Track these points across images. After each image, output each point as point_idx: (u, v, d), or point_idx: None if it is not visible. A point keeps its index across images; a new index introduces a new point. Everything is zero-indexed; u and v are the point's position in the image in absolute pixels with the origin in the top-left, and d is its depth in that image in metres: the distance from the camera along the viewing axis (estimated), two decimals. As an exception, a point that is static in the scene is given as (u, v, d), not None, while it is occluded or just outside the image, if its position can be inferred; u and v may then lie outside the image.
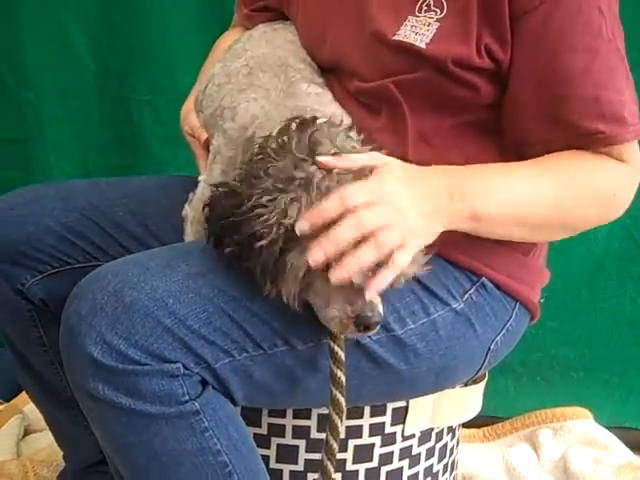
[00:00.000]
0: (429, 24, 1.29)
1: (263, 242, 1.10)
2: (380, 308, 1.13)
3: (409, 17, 1.31)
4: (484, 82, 1.29)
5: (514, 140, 1.31)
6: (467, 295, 1.33)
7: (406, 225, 1.12)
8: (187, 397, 1.17)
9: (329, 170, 1.13)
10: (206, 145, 1.42)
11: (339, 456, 1.40)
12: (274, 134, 1.19)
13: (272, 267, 1.12)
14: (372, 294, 1.11)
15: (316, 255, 1.08)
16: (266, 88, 1.34)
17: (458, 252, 1.32)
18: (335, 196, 1.10)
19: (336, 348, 1.20)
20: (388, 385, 1.33)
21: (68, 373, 1.19)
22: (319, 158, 1.13)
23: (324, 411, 1.27)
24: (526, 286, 1.40)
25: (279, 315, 1.21)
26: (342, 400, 1.20)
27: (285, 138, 1.16)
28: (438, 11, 1.30)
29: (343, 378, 1.20)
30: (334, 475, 1.22)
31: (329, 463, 1.22)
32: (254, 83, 1.35)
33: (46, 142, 2.24)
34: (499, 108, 1.31)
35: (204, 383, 1.20)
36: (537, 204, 1.24)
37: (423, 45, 1.28)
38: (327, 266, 1.09)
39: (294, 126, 1.18)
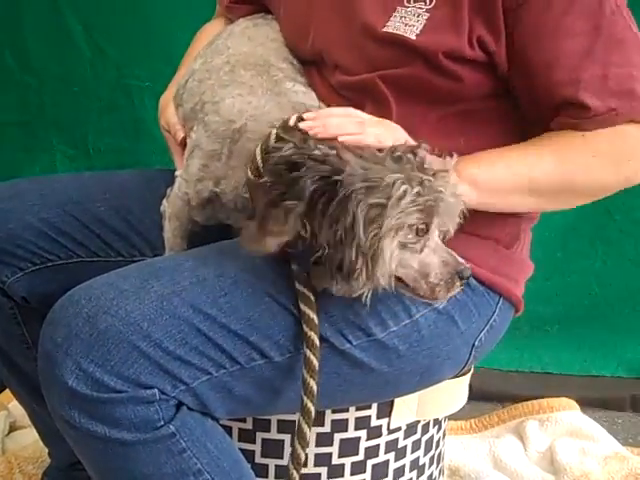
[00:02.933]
0: (419, 14, 1.28)
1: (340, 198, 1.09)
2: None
3: (398, 8, 1.30)
4: (473, 74, 1.28)
5: (537, 129, 1.30)
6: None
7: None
8: (162, 422, 1.17)
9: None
10: (182, 142, 1.41)
11: (325, 450, 1.41)
12: None
13: (369, 250, 1.09)
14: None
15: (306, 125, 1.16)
16: (250, 85, 1.33)
17: None
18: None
19: (311, 356, 1.19)
20: (372, 388, 1.33)
21: (46, 399, 1.19)
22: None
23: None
24: (509, 280, 1.40)
25: (255, 328, 1.21)
26: (312, 409, 1.20)
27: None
28: (427, 1, 1.29)
29: (315, 387, 1.19)
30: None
31: (295, 472, 1.22)
32: (236, 80, 1.34)
33: (48, 126, 2.33)
34: (487, 99, 1.31)
35: (179, 404, 1.19)
36: (538, 173, 1.25)
37: (413, 36, 1.27)
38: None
39: None
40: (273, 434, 1.42)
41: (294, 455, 1.22)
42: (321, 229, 1.10)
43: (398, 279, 1.16)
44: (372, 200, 1.09)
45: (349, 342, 1.26)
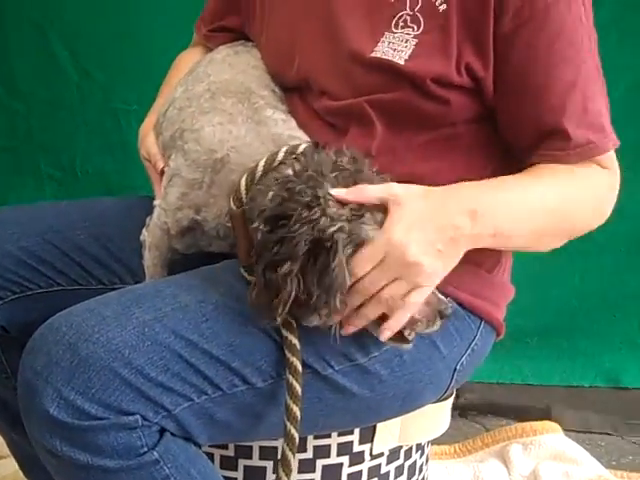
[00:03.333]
0: (407, 40, 1.29)
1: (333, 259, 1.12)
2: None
3: (386, 33, 1.30)
4: (461, 99, 1.29)
5: (517, 157, 1.32)
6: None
7: (414, 273, 1.15)
8: (146, 448, 1.16)
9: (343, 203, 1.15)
10: (162, 172, 1.40)
11: (307, 477, 1.40)
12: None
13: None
14: (385, 336, 1.18)
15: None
16: (230, 112, 1.33)
17: None
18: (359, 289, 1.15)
19: (294, 382, 1.19)
20: (354, 413, 1.33)
21: (27, 427, 1.18)
22: (332, 191, 1.15)
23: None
24: (490, 304, 1.40)
25: (238, 354, 1.21)
26: (296, 435, 1.19)
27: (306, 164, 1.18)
28: (415, 27, 1.29)
29: (298, 413, 1.19)
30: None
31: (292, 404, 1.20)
32: (217, 107, 1.34)
33: (36, 150, 2.38)
34: (473, 124, 1.32)
35: (162, 431, 1.19)
36: (546, 215, 1.27)
37: (402, 62, 1.27)
38: None
39: (308, 151, 1.21)
40: (255, 461, 1.41)
41: None
42: (312, 284, 1.12)
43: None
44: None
45: (331, 367, 1.26)
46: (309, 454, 1.41)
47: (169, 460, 1.17)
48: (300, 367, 1.20)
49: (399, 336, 1.21)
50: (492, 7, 1.25)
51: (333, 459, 1.42)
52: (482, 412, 2.36)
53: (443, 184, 1.23)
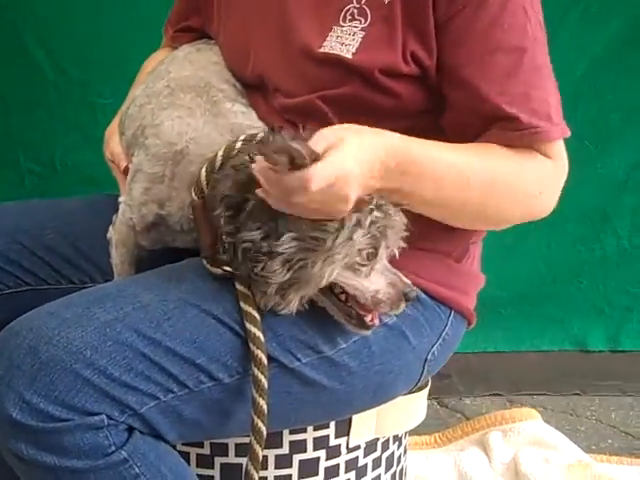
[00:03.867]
0: (354, 33, 1.29)
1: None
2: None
3: (334, 27, 1.30)
4: (410, 90, 1.28)
5: (459, 134, 1.30)
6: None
7: (332, 210, 1.14)
8: (113, 447, 1.15)
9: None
10: (126, 171, 1.40)
11: (284, 472, 1.40)
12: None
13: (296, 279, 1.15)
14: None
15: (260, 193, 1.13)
16: (188, 107, 1.33)
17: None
18: (302, 179, 1.09)
19: (259, 375, 1.19)
20: (325, 406, 1.32)
21: None
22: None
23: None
24: (458, 292, 1.40)
25: (202, 351, 1.20)
26: (263, 429, 1.19)
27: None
28: (362, 20, 1.29)
29: (265, 407, 1.19)
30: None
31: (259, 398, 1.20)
32: (175, 102, 1.34)
33: (15, 145, 2.42)
34: (427, 114, 1.31)
35: (131, 429, 1.18)
36: (462, 186, 1.24)
37: (349, 55, 1.27)
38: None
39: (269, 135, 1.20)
40: (231, 458, 1.40)
41: (247, 476, 1.21)
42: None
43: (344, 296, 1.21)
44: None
45: (298, 360, 1.25)
46: (285, 449, 1.40)
47: (138, 459, 1.17)
48: (265, 360, 1.19)
49: (359, 321, 1.22)
50: None
51: (310, 454, 1.42)
52: (460, 377, 2.44)
53: None
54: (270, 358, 1.21)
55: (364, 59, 1.26)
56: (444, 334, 1.39)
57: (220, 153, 1.22)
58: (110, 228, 1.40)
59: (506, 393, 2.51)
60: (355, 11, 1.30)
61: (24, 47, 2.36)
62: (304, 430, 1.40)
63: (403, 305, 1.21)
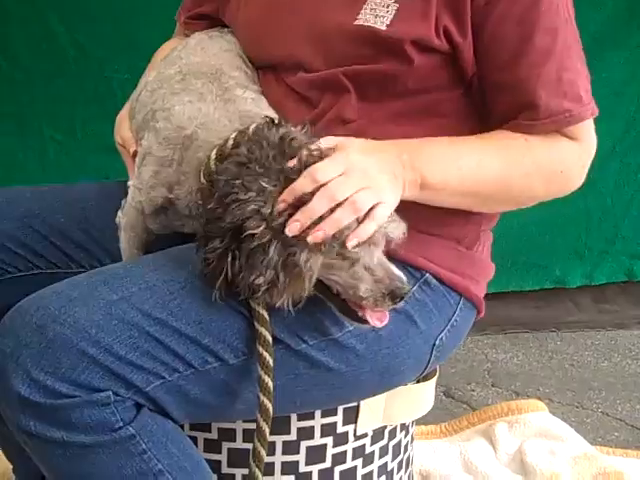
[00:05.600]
0: (388, 5, 1.30)
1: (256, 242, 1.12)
2: (404, 277, 1.17)
3: (368, 0, 1.30)
4: (436, 65, 1.30)
5: (492, 121, 1.33)
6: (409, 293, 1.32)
7: (378, 185, 1.15)
8: (121, 423, 1.17)
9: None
10: (135, 156, 1.40)
11: (292, 458, 1.40)
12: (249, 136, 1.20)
13: (277, 260, 1.12)
14: (352, 243, 1.13)
15: (292, 227, 1.11)
16: (200, 92, 1.33)
17: (400, 248, 1.31)
18: (306, 174, 1.13)
19: (264, 354, 1.19)
20: (332, 389, 1.33)
21: (1, 411, 1.19)
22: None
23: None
24: (470, 280, 1.40)
25: (208, 331, 1.21)
26: (269, 406, 1.20)
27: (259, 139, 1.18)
28: None
29: (271, 384, 1.20)
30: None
31: (257, 470, 1.21)
32: (187, 88, 1.34)
33: (38, 115, 2.64)
34: (447, 92, 1.33)
35: (139, 406, 1.19)
36: (483, 176, 1.28)
37: (383, 27, 1.28)
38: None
39: (264, 127, 1.20)
40: (239, 443, 1.41)
41: (255, 453, 1.21)
42: (240, 260, 1.13)
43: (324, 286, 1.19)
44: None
45: (305, 342, 1.26)
46: (293, 436, 1.41)
47: (146, 435, 1.18)
48: (270, 338, 1.20)
49: (354, 316, 1.21)
50: None
51: (317, 440, 1.42)
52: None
53: None
54: (276, 340, 1.22)
55: (397, 31, 1.28)
56: (453, 320, 1.39)
57: (232, 139, 1.22)
58: (119, 212, 1.40)
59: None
60: None
61: (46, 23, 2.57)
62: (312, 417, 1.41)
63: (389, 303, 1.17)
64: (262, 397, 1.20)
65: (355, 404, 1.43)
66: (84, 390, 1.14)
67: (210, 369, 1.22)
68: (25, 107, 2.63)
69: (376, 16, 1.29)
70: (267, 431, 1.20)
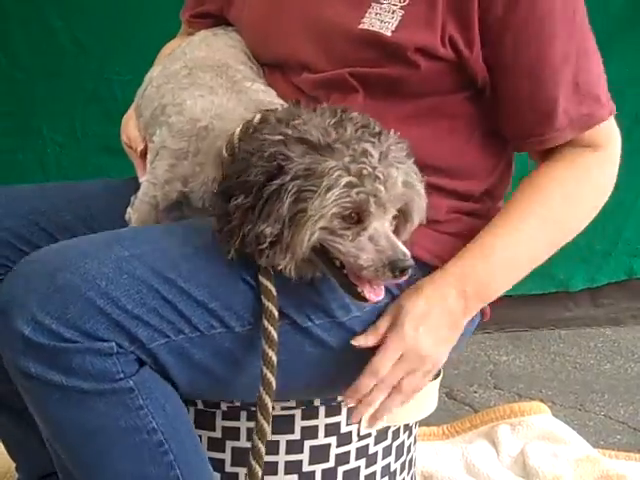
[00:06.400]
0: (393, 11, 1.30)
1: (275, 185, 1.13)
2: (408, 252, 1.18)
3: (373, 4, 1.31)
4: (441, 70, 1.30)
5: (510, 135, 1.36)
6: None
7: (430, 364, 1.27)
8: (121, 375, 1.18)
9: None
10: (143, 154, 1.41)
11: (295, 457, 1.40)
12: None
13: (287, 213, 1.13)
14: (381, 417, 1.28)
15: (355, 418, 1.27)
16: (210, 86, 1.33)
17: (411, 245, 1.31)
18: (367, 373, 1.25)
19: (269, 328, 1.20)
20: (335, 370, 1.32)
21: (2, 354, 1.20)
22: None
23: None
24: None
25: (216, 297, 1.22)
26: (272, 380, 1.21)
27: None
28: None
29: (274, 358, 1.20)
30: (265, 457, 1.23)
31: (259, 442, 1.22)
32: (196, 82, 1.35)
33: (38, 115, 2.60)
34: (455, 94, 1.33)
35: (141, 363, 1.20)
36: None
37: (389, 33, 1.28)
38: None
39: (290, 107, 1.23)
40: (242, 442, 1.41)
41: (257, 427, 1.22)
42: (260, 213, 1.14)
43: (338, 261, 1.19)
44: (303, 186, 1.13)
45: (311, 320, 1.27)
46: (297, 435, 1.41)
47: (144, 392, 1.20)
48: (276, 313, 1.21)
49: (354, 291, 1.20)
50: None
51: (321, 440, 1.43)
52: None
53: (427, 150, 1.26)
54: (283, 315, 1.23)
55: (402, 37, 1.28)
56: None
57: (258, 115, 1.24)
58: (128, 209, 1.40)
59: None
60: None
61: (47, 22, 2.53)
62: (316, 416, 1.41)
63: (389, 274, 1.16)
64: (265, 370, 1.20)
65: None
66: (88, 338, 1.15)
67: (215, 334, 1.23)
68: (25, 107, 2.62)
69: (381, 21, 1.29)
70: (270, 405, 1.21)
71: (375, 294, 1.20)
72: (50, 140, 2.63)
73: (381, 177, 1.14)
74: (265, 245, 1.15)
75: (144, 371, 1.20)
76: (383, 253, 1.16)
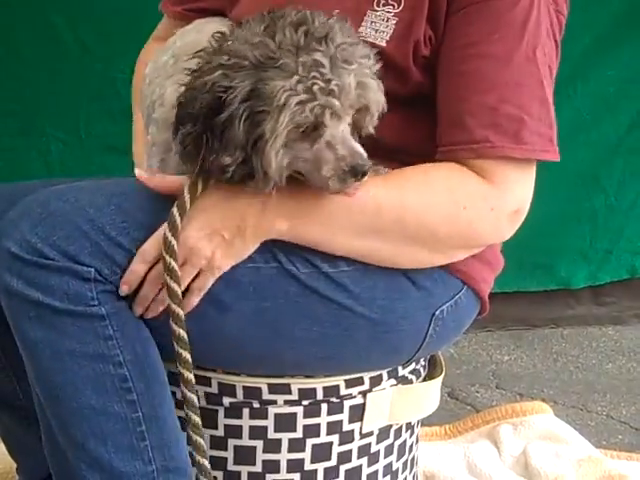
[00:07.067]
0: (387, 19, 1.30)
1: (225, 114, 1.13)
2: (365, 154, 1.18)
3: (368, 12, 1.31)
4: (425, 73, 1.30)
5: (436, 142, 1.31)
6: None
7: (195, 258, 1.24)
8: (95, 302, 1.22)
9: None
10: None
11: (297, 456, 1.40)
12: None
13: (245, 139, 1.14)
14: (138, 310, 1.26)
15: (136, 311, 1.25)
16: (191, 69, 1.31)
17: None
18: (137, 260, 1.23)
19: (172, 284, 1.21)
20: (323, 326, 1.32)
21: None
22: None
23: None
24: (476, 281, 1.41)
25: None
26: (181, 313, 1.23)
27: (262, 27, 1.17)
28: (395, 5, 1.31)
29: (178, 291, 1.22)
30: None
31: (183, 351, 1.23)
32: (179, 68, 1.32)
33: (42, 113, 2.63)
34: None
35: (119, 298, 1.24)
36: (368, 215, 1.25)
37: (383, 43, 1.29)
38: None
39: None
40: (245, 441, 1.40)
41: (183, 378, 1.24)
42: (214, 142, 1.15)
43: (297, 172, 1.20)
44: (255, 108, 1.13)
45: (296, 268, 1.29)
46: (299, 433, 1.41)
47: (116, 323, 1.24)
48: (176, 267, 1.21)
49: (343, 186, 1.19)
50: None
51: (323, 438, 1.42)
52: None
53: (430, 151, 1.27)
54: (271, 258, 1.27)
55: (396, 47, 1.28)
56: (457, 297, 1.40)
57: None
58: None
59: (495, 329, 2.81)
60: None
61: (51, 22, 2.58)
62: (318, 414, 1.41)
63: (352, 180, 1.17)
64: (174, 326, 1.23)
65: (361, 401, 1.42)
66: (69, 260, 1.21)
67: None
68: (29, 106, 2.64)
69: (376, 31, 1.30)
70: (189, 358, 1.23)
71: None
72: (54, 139, 2.66)
73: (335, 89, 1.13)
74: (229, 174, 1.16)
75: (120, 305, 1.24)
76: (343, 160, 1.17)
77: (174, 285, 1.21)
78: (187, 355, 1.24)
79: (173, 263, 1.20)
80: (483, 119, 1.25)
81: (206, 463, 1.26)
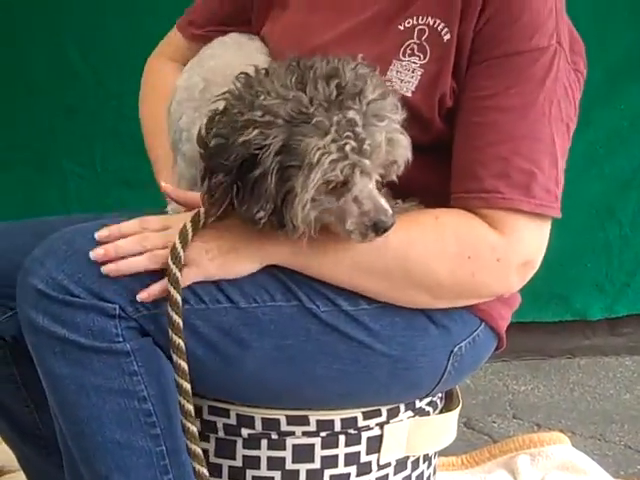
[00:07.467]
0: (413, 70, 1.31)
1: (259, 169, 1.14)
2: (390, 210, 1.20)
3: (394, 61, 1.32)
4: (448, 123, 1.31)
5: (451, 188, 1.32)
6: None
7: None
8: (120, 338, 1.24)
9: None
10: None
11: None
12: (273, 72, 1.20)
13: (275, 195, 1.15)
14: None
15: (96, 252, 1.24)
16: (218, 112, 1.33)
17: None
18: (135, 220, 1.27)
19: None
20: (343, 364, 1.33)
21: (18, 309, 1.27)
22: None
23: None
24: (493, 318, 1.42)
25: None
26: (178, 297, 1.23)
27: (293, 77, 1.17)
28: (421, 56, 1.32)
29: (179, 299, 1.23)
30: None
31: (175, 315, 1.23)
32: (206, 98, 1.33)
33: (59, 149, 2.69)
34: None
35: (145, 335, 1.26)
36: (373, 252, 1.26)
37: (409, 94, 1.30)
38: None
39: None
40: (263, 471, 1.41)
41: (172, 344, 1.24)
42: (245, 194, 1.17)
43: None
44: (286, 163, 1.15)
45: (317, 306, 1.30)
46: (317, 464, 1.41)
47: (141, 359, 1.25)
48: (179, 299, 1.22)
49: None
50: (471, 39, 1.29)
51: (341, 469, 1.43)
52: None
53: (426, 178, 1.29)
54: (291, 295, 1.28)
55: (423, 99, 1.30)
56: (475, 334, 1.40)
57: (222, 104, 1.22)
58: None
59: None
60: (415, 47, 1.32)
61: (68, 59, 2.64)
62: (335, 445, 1.41)
63: (373, 235, 1.19)
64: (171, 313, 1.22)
65: (379, 433, 1.43)
66: (94, 297, 1.23)
67: (220, 309, 1.27)
68: (46, 140, 2.68)
69: (402, 81, 1.31)
70: (180, 323, 1.23)
71: None
72: (71, 173, 2.70)
73: (367, 149, 1.15)
74: (260, 225, 1.18)
75: (144, 341, 1.26)
76: (367, 215, 1.18)
77: (177, 296, 1.22)
78: (185, 381, 1.24)
79: (178, 274, 1.22)
80: (495, 169, 1.26)
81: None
